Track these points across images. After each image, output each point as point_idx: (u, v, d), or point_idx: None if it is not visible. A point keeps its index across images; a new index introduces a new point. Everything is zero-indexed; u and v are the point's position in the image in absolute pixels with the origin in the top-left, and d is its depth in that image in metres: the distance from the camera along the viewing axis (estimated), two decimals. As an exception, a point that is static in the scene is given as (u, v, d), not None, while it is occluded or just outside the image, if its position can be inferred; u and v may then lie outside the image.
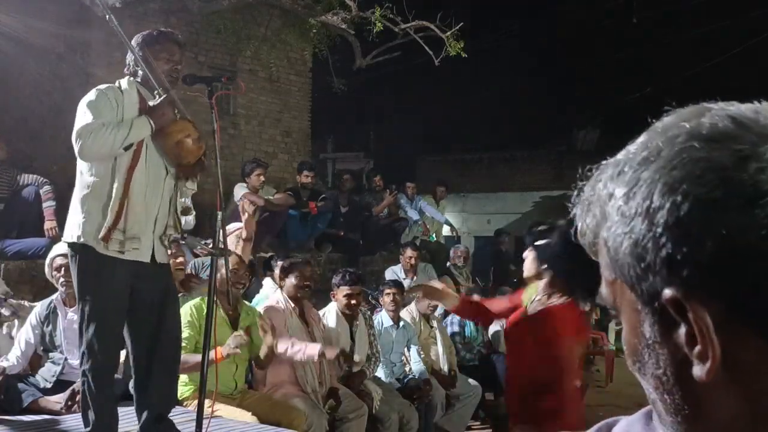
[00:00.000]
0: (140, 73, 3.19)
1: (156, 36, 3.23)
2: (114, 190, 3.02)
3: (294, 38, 8.62)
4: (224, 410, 3.80)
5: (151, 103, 3.11)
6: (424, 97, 18.81)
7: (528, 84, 17.68)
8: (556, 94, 17.77)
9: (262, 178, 6.91)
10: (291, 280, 4.54)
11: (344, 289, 4.81)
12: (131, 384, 3.75)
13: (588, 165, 0.62)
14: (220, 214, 3.05)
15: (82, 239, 3.02)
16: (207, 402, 3.06)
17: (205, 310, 3.96)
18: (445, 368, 5.81)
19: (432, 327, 5.91)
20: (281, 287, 4.70)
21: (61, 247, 4.13)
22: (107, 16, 2.89)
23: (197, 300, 4.04)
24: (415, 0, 7.76)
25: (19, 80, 6.98)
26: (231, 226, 5.14)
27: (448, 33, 7.57)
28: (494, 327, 6.74)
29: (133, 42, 3.20)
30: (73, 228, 3.06)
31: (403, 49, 8.48)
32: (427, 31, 7.80)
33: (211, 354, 3.67)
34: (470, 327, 6.44)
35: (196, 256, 5.53)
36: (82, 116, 3.03)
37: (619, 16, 13.16)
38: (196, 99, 7.46)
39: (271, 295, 4.96)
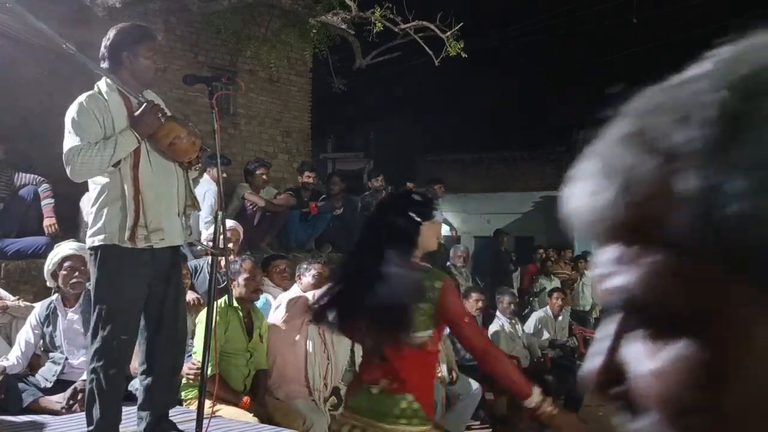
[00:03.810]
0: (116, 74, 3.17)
1: (137, 33, 3.19)
2: (126, 191, 3.03)
3: (294, 38, 8.61)
4: (224, 410, 3.81)
5: (135, 114, 3.08)
6: (425, 97, 18.82)
7: (528, 84, 17.70)
8: (556, 94, 17.78)
9: (264, 176, 6.97)
10: (308, 279, 4.49)
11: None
12: (132, 384, 3.76)
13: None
14: (220, 214, 3.06)
15: (105, 241, 3.02)
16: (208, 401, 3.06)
17: (228, 314, 3.94)
18: (445, 368, 5.81)
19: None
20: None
21: (66, 248, 4.12)
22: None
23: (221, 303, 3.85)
24: (415, 0, 7.76)
25: (19, 80, 6.98)
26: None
27: (448, 33, 7.57)
28: (494, 327, 6.74)
29: (112, 37, 3.17)
30: (96, 234, 3.05)
31: (403, 49, 8.47)
32: (427, 31, 7.80)
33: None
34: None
35: (197, 256, 5.53)
36: (68, 137, 3.03)
37: (619, 16, 13.17)
38: (196, 99, 7.54)
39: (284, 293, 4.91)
